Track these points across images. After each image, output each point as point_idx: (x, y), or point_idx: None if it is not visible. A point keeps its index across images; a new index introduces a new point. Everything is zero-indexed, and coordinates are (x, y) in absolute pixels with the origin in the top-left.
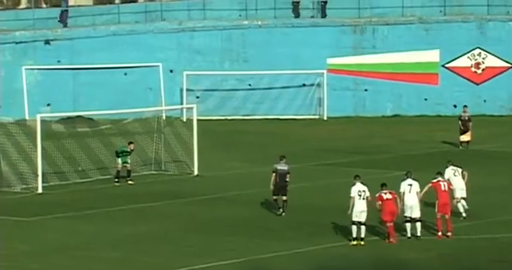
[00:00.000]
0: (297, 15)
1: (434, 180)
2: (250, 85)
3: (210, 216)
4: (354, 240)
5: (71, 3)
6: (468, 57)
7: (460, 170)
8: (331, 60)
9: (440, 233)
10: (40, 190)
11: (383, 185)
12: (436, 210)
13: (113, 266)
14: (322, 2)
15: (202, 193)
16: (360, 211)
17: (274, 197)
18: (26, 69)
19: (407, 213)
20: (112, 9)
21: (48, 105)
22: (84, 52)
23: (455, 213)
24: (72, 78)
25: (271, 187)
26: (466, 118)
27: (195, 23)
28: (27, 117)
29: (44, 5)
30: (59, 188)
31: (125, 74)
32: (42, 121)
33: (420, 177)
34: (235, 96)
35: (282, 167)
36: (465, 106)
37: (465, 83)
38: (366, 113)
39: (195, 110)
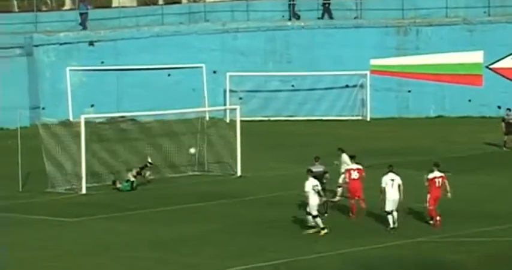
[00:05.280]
0: (330, 16)
1: (430, 176)
2: (293, 86)
3: (252, 217)
4: (391, 230)
5: (115, 4)
6: None
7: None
8: (374, 61)
9: (438, 217)
10: (84, 191)
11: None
12: (428, 204)
13: (154, 266)
14: (325, 3)
15: (245, 194)
16: (392, 200)
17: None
18: (70, 70)
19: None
20: (156, 11)
21: (92, 106)
22: (127, 53)
23: None
24: (115, 79)
25: None
26: (511, 121)
27: (239, 24)
28: (71, 118)
29: (88, 6)
30: (103, 189)
31: (169, 75)
32: (86, 122)
33: (464, 179)
34: (278, 97)
35: (317, 168)
36: (508, 109)
37: (509, 84)
38: (409, 114)
39: (238, 111)
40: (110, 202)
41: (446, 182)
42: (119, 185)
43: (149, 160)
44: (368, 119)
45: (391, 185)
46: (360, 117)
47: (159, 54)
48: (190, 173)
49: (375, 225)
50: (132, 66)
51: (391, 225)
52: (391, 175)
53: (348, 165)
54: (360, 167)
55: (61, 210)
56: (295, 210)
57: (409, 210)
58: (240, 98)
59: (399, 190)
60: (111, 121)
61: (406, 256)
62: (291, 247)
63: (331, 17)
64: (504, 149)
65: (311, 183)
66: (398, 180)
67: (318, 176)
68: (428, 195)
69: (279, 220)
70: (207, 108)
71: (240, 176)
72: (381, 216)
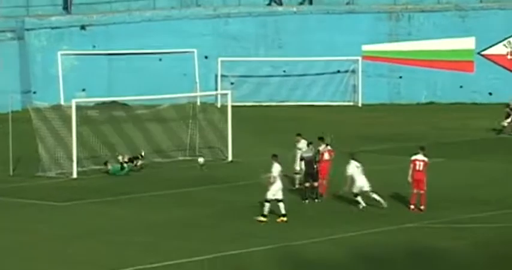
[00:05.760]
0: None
1: (412, 158)
2: (284, 71)
3: (244, 202)
4: (361, 207)
5: None
6: (504, 45)
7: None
8: (366, 47)
9: (413, 206)
10: (75, 175)
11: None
12: (411, 186)
13: (145, 250)
14: None
15: (236, 179)
16: (361, 185)
17: (306, 184)
18: (61, 54)
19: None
20: None
21: (84, 90)
22: (119, 38)
23: None
24: (107, 64)
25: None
26: None
27: (230, 9)
28: (62, 103)
29: None
30: (94, 173)
31: (160, 59)
32: (77, 106)
33: (455, 165)
34: (270, 82)
35: (308, 153)
36: None
37: (501, 70)
38: (400, 100)
39: (229, 96)
40: (101, 186)
41: (425, 168)
42: (109, 167)
43: (142, 153)
44: (359, 105)
45: (358, 172)
46: (351, 103)
47: (150, 38)
48: (181, 158)
49: (365, 211)
50: (123, 50)
51: (363, 204)
52: (354, 163)
53: (302, 151)
54: (329, 148)
55: (52, 194)
56: (288, 196)
57: (398, 195)
58: (232, 83)
59: (365, 175)
60: (101, 106)
61: (396, 242)
62: (283, 232)
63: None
64: (501, 134)
65: (278, 169)
66: (361, 167)
67: (310, 161)
68: (409, 178)
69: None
70: (198, 93)
71: (231, 161)
72: (371, 202)
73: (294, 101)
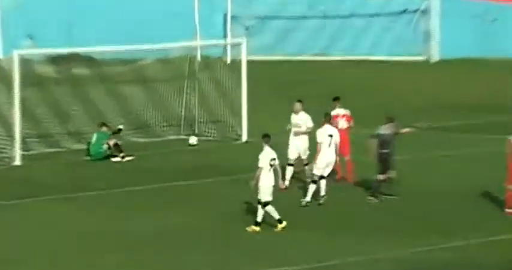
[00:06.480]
0: None
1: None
2: (323, 12)
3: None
4: (321, 198)
5: None
6: None
7: None
8: None
9: (510, 210)
10: (18, 161)
11: None
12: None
13: None
14: None
15: (251, 168)
16: (327, 162)
17: (381, 177)
18: None
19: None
20: None
21: (31, 38)
22: None
23: None
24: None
25: (374, 160)
26: None
27: None
28: (0, 55)
29: None
30: (45, 159)
31: None
32: (22, 60)
33: None
34: (302, 27)
35: (386, 131)
36: None
37: None
38: (494, 53)
39: (244, 47)
40: (58, 178)
41: None
42: (104, 129)
43: (121, 127)
44: (434, 60)
45: (328, 143)
46: (421, 58)
47: None
48: (173, 137)
49: (441, 216)
50: None
51: (319, 196)
52: (328, 128)
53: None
54: (347, 112)
55: None
56: (327, 192)
57: (488, 194)
58: (247, 29)
59: (335, 150)
60: (57, 60)
61: (486, 260)
62: (313, 246)
63: None
64: None
65: (268, 156)
66: (336, 136)
67: (386, 142)
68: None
69: (294, 205)
70: (198, 43)
71: (246, 142)
72: (427, 202)
73: (336, 54)
